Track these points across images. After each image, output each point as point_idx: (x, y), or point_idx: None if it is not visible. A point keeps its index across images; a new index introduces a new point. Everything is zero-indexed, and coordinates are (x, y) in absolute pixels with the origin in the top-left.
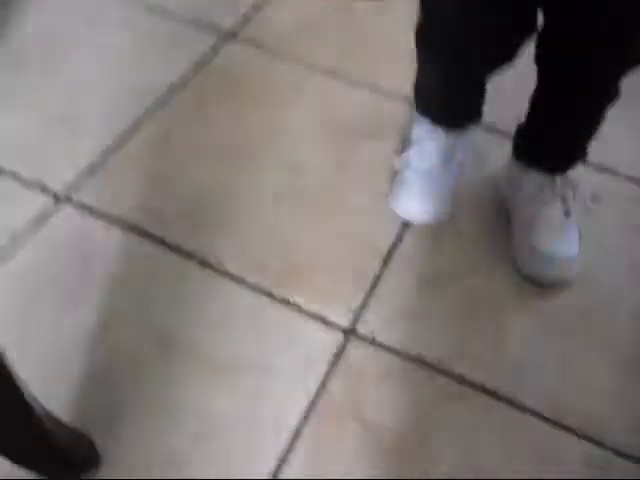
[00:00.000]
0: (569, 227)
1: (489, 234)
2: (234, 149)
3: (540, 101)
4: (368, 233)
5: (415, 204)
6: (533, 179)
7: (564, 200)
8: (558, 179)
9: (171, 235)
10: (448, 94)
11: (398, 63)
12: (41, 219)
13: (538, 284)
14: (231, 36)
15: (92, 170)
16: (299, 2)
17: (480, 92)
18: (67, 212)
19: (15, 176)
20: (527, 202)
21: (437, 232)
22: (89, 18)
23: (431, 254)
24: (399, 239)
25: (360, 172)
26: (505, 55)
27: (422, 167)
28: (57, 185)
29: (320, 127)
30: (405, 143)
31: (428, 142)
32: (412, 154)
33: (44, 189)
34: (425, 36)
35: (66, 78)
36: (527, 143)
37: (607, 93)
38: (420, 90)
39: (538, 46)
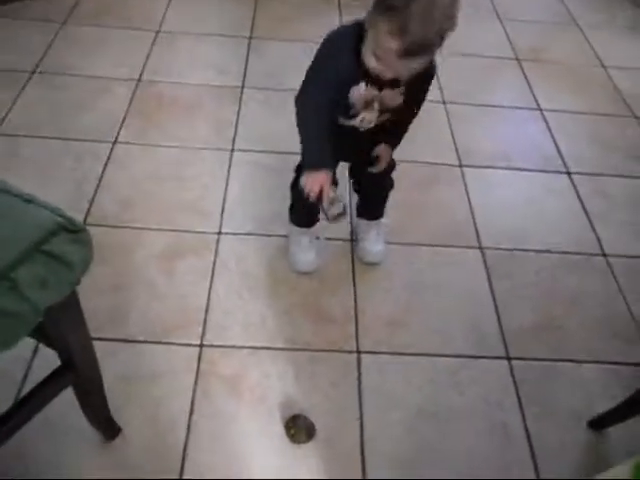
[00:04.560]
0: (380, 239)
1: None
2: None
3: (361, 198)
4: None
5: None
6: (362, 222)
7: (377, 228)
8: (374, 222)
9: None
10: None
11: None
12: None
13: (367, 264)
14: None
15: None
16: None
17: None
18: None
19: None
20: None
21: None
22: None
23: None
24: None
25: None
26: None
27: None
28: None
29: None
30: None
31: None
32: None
33: None
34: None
35: None
36: (361, 211)
37: (385, 188)
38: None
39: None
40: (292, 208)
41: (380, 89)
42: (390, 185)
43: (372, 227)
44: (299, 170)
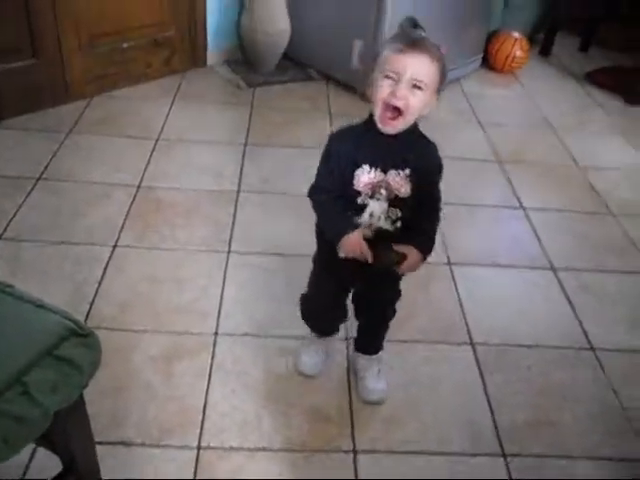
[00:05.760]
0: (382, 376)
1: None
2: None
3: (360, 329)
4: None
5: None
6: (362, 357)
7: (378, 364)
8: (375, 357)
9: None
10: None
11: None
12: None
13: (370, 403)
14: None
15: None
16: None
17: (337, 325)
18: None
19: None
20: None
21: None
22: None
23: None
24: None
25: None
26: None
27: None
28: None
29: None
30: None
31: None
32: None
33: None
34: (305, 308)
35: None
36: (359, 344)
37: (389, 316)
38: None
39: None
40: (303, 316)
41: (384, 171)
42: (393, 313)
43: (373, 363)
44: (304, 301)
